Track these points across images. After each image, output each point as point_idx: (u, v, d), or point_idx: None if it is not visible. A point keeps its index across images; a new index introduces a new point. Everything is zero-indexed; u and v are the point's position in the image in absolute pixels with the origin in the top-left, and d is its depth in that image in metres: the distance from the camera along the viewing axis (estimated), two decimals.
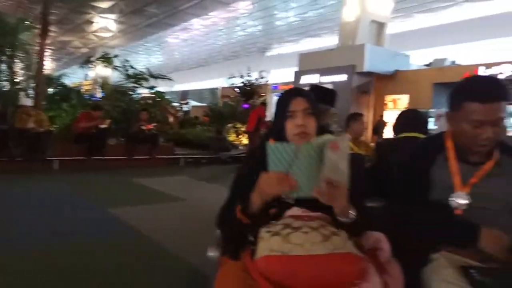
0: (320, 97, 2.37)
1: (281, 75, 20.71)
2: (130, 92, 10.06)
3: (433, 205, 1.34)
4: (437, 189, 1.34)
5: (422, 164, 1.38)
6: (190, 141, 10.29)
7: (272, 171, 1.18)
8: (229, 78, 11.33)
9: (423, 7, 19.26)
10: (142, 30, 22.14)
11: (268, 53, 28.04)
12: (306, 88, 1.71)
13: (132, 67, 10.07)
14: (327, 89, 2.77)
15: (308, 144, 1.19)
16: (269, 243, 1.20)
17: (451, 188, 1.32)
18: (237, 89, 12.34)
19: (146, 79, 9.88)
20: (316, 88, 2.67)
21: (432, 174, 1.36)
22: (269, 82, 17.00)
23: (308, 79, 13.46)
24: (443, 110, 12.94)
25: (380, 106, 13.55)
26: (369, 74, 13.42)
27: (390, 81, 13.87)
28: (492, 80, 1.32)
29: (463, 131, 1.30)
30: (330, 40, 19.66)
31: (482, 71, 12.53)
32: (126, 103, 9.56)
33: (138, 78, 9.78)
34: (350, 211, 1.21)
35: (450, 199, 1.31)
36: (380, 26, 14.43)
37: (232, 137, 11.75)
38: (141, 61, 28.82)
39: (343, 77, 13.34)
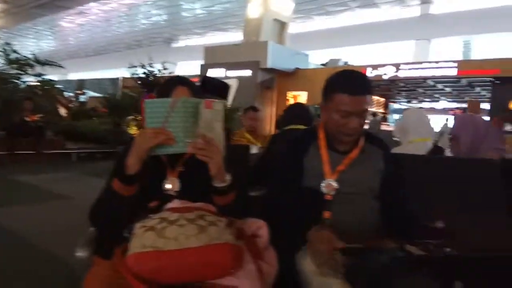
0: (213, 89, 2.35)
1: (188, 68, 20.32)
2: (13, 80, 8.87)
3: (305, 192, 1.41)
4: (310, 176, 1.42)
5: (297, 154, 1.45)
6: (84, 134, 9.47)
7: (148, 127, 1.16)
8: (129, 67, 10.71)
9: (321, 10, 20.57)
10: (30, 11, 19.76)
11: (175, 45, 27.30)
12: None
13: (15, 52, 8.89)
14: (220, 81, 2.76)
15: (184, 99, 1.19)
16: (142, 239, 1.14)
17: (322, 175, 1.40)
18: (139, 80, 11.74)
19: (31, 66, 8.81)
20: (208, 80, 2.65)
21: (306, 162, 1.43)
22: (175, 74, 16.57)
23: (215, 73, 13.44)
24: None
25: (282, 102, 14.16)
26: (272, 70, 13.90)
27: (291, 78, 14.54)
28: (360, 75, 1.43)
29: (332, 120, 1.38)
30: (235, 35, 19.89)
31: (369, 72, 13.90)
32: (8, 92, 8.41)
33: (21, 64, 8.67)
34: (226, 175, 1.23)
35: (320, 185, 1.39)
36: (282, 25, 15.02)
37: (133, 130, 11.14)
38: (30, 46, 25.79)
39: (248, 73, 13.60)
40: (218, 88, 2.40)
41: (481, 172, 1.78)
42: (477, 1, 18.29)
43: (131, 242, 1.16)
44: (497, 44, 19.56)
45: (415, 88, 16.52)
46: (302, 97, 13.80)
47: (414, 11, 20.26)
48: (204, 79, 2.60)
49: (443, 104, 20.59)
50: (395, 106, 24.13)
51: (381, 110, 18.65)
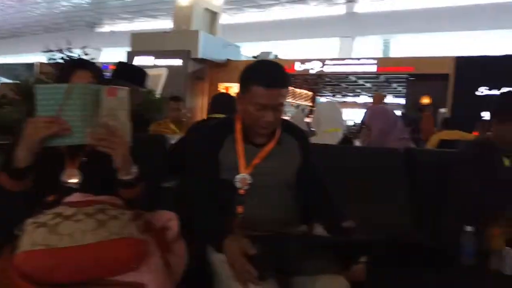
0: (128, 76, 2.23)
1: (113, 55, 19.24)
2: None
3: (219, 186, 1.38)
4: (225, 170, 1.39)
5: (212, 147, 1.41)
6: None
7: (39, 115, 1.05)
8: (45, 52, 9.84)
9: (253, 3, 20.68)
10: None
11: (99, 29, 25.65)
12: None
13: None
14: (135, 68, 2.63)
15: (82, 85, 1.11)
16: (32, 236, 1.05)
17: (237, 169, 1.38)
18: (56, 66, 10.86)
19: None
20: (123, 67, 2.50)
21: (221, 156, 1.40)
22: (99, 61, 15.60)
23: (142, 61, 12.88)
24: None
25: (214, 93, 14.00)
26: (203, 61, 13.70)
27: (222, 69, 14.47)
28: (277, 67, 1.39)
29: (248, 113, 1.36)
30: (165, 23, 19.24)
31: (298, 66, 14.34)
32: None
33: None
34: (132, 167, 1.18)
35: (234, 179, 1.37)
36: (213, 15, 14.84)
37: None
38: None
39: (178, 62, 13.26)
40: (133, 75, 2.27)
41: (386, 161, 1.91)
42: (397, 2, 19.69)
43: (21, 240, 1.07)
44: (413, 44, 21.35)
45: (339, 83, 17.40)
46: (234, 89, 13.80)
47: (340, 9, 21.24)
48: (118, 64, 2.45)
49: (363, 98, 21.93)
50: (322, 99, 25.26)
51: (309, 104, 19.38)
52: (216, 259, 1.27)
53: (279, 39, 21.69)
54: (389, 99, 21.23)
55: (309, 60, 14.73)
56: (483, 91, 12.10)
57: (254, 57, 16.73)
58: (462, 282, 1.47)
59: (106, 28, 25.37)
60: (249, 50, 17.80)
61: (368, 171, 1.81)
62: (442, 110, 10.74)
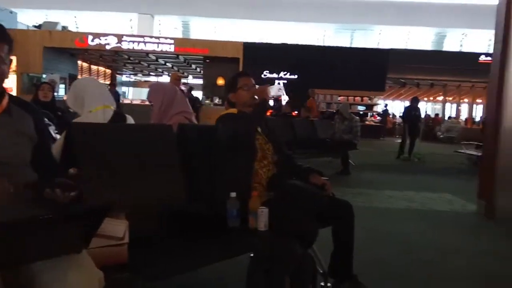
0: None
1: None
2: None
3: None
4: None
5: None
6: None
7: None
8: None
9: None
10: None
11: None
12: None
13: None
14: None
15: None
16: None
17: None
18: None
19: None
20: None
21: None
22: None
23: None
24: (56, 75, 12.65)
25: None
26: None
27: None
28: None
29: None
30: None
31: (90, 40, 13.10)
32: None
33: None
34: None
35: None
36: None
37: None
38: None
39: None
40: None
41: (158, 136, 1.87)
42: None
43: None
44: (209, 27, 22.54)
45: (139, 61, 16.83)
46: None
47: None
48: None
49: (166, 78, 22.00)
50: (123, 78, 24.04)
51: (108, 82, 18.10)
52: None
53: (70, 8, 19.31)
54: (190, 79, 22.01)
55: (104, 35, 13.66)
56: (266, 74, 13.90)
57: (36, 26, 14.40)
58: (230, 242, 1.62)
59: None
60: (28, 18, 15.19)
61: (142, 147, 1.74)
62: None
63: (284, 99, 10.46)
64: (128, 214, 1.41)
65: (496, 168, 3.76)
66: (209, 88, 13.86)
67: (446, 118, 19.09)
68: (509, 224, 3.45)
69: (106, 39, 13.29)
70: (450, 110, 22.53)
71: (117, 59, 16.60)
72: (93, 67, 18.31)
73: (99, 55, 15.23)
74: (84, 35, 13.30)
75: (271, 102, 6.63)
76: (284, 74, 13.98)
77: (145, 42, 13.62)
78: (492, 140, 3.84)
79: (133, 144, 1.76)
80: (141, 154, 1.75)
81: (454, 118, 19.30)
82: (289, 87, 13.51)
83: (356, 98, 14.38)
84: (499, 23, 3.87)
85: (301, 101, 9.61)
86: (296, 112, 9.93)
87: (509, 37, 3.74)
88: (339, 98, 13.99)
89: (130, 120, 2.03)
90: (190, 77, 21.60)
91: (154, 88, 2.61)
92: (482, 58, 15.06)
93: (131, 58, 15.98)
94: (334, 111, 10.31)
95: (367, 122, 14.25)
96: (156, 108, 2.45)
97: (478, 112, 22.36)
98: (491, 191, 3.77)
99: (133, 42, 13.65)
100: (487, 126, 4.27)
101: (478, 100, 21.19)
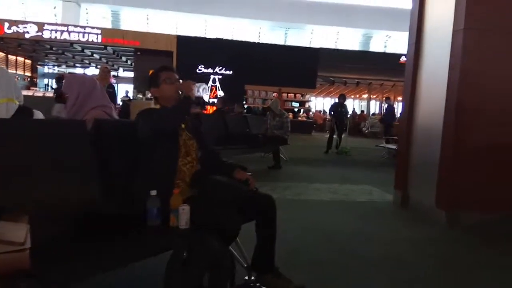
0: None
1: None
2: None
3: None
4: None
5: None
6: None
7: None
8: None
9: None
10: None
11: None
12: None
13: None
14: None
15: None
16: None
17: None
18: None
19: None
20: None
21: None
22: None
23: None
24: None
25: None
26: None
27: None
28: None
29: None
30: None
31: (6, 28, 11.95)
32: None
33: None
34: None
35: None
36: None
37: None
38: None
39: None
40: None
41: (69, 132, 1.75)
42: None
43: None
44: (141, 19, 21.60)
45: (63, 52, 15.66)
46: None
47: None
48: None
49: (93, 70, 20.73)
50: (45, 70, 22.22)
51: (28, 74, 16.64)
52: None
53: None
54: (120, 72, 20.96)
55: (23, 22, 12.52)
56: (201, 69, 13.71)
57: None
58: (149, 240, 1.57)
59: None
60: None
61: (49, 145, 1.61)
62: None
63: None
64: (33, 217, 1.30)
65: (409, 161, 4.09)
66: (140, 81, 13.33)
67: (371, 114, 20.38)
68: (420, 213, 3.77)
69: (25, 27, 12.20)
70: (374, 107, 24.09)
71: (38, 49, 15.29)
72: (11, 57, 16.69)
73: (17, 44, 13.91)
74: (1, 22, 12.09)
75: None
76: (219, 69, 13.90)
77: (69, 32, 12.71)
78: (405, 135, 4.16)
79: (39, 141, 1.62)
80: (48, 153, 1.62)
81: (378, 114, 20.65)
82: (224, 82, 13.49)
83: (289, 94, 14.77)
84: (412, 26, 4.19)
85: (236, 96, 9.60)
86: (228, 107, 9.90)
87: (421, 39, 4.07)
88: (274, 94, 14.27)
89: (38, 115, 1.87)
90: (121, 69, 20.60)
91: (70, 80, 2.43)
92: (403, 58, 16.24)
93: (53, 48, 14.81)
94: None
95: (299, 118, 14.72)
96: (71, 101, 2.28)
97: (398, 109, 24.13)
98: (405, 183, 4.09)
99: (56, 31, 12.67)
100: (402, 122, 4.61)
101: (399, 98, 22.88)
